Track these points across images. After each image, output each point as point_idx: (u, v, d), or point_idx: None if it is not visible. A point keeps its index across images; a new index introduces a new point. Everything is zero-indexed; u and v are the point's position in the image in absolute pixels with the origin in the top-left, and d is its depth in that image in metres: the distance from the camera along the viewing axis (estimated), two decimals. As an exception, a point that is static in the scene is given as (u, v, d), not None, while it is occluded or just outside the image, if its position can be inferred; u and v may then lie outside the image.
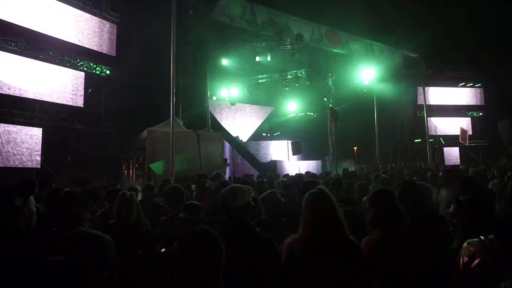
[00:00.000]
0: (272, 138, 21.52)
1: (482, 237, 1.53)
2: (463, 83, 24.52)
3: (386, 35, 17.61)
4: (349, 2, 15.34)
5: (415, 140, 22.70)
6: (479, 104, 24.59)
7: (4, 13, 11.89)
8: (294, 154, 16.65)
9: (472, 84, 24.57)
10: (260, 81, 19.53)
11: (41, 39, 12.94)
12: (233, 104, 19.46)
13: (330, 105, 12.67)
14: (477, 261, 1.54)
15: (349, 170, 10.31)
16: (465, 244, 1.58)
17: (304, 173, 9.25)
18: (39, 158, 12.82)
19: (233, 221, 2.31)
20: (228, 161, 15.18)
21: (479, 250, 1.51)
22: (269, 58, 17.00)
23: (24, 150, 12.51)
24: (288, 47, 16.57)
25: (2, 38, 11.99)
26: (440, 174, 4.94)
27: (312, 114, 21.68)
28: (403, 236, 2.21)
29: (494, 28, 21.41)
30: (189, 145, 11.23)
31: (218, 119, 18.83)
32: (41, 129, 12.98)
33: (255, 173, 13.16)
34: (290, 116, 22.20)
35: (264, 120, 22.71)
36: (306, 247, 1.98)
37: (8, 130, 12.15)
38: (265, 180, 7.48)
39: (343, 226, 2.03)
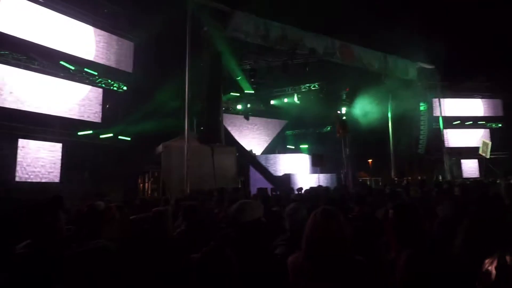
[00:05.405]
0: (285, 151, 21.50)
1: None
2: (481, 95, 24.12)
3: (400, 47, 17.54)
4: (362, 16, 15.42)
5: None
6: (497, 115, 24.08)
7: (25, 32, 12.40)
8: (314, 165, 16.70)
9: (490, 94, 24.15)
10: (274, 94, 19.66)
11: (61, 57, 13.40)
12: (247, 118, 19.58)
13: (339, 115, 12.55)
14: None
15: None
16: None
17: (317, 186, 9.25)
18: (58, 174, 13.12)
19: (243, 238, 2.24)
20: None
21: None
22: (283, 72, 17.15)
23: (43, 165, 12.83)
24: (302, 61, 16.70)
25: (24, 57, 12.50)
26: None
27: (327, 127, 21.67)
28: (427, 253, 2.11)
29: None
30: (204, 160, 11.34)
31: (232, 133, 18.95)
32: (60, 144, 13.32)
33: (268, 186, 13.12)
34: (303, 129, 22.19)
35: (278, 133, 22.76)
36: (308, 268, 1.95)
37: (28, 146, 12.52)
38: (278, 193, 7.48)
39: (347, 247, 1.98)
